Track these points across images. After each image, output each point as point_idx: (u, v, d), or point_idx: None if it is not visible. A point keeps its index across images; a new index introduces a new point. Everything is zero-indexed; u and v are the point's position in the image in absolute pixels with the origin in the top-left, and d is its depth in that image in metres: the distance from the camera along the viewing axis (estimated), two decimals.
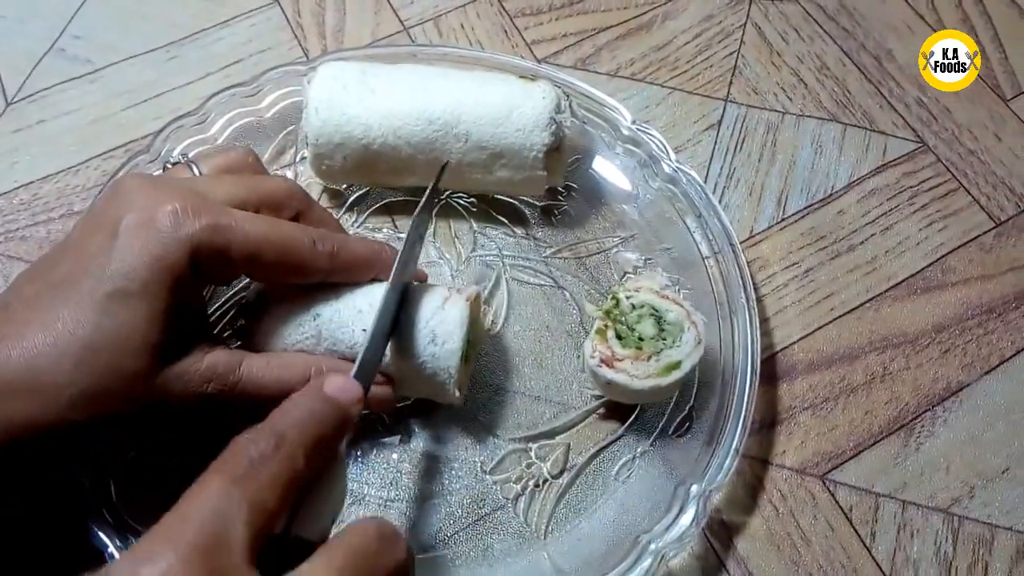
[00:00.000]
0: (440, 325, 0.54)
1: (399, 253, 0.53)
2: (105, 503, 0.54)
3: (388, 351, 0.54)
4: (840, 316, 0.66)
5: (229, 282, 0.62)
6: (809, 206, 0.71)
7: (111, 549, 0.52)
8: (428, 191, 0.57)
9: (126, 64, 0.76)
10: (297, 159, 0.70)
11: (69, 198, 0.69)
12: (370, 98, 0.62)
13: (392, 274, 0.52)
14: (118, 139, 0.72)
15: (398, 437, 0.60)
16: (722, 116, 0.75)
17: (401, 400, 0.59)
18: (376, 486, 0.58)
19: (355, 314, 0.54)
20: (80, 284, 0.46)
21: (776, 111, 0.76)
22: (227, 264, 0.49)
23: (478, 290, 0.58)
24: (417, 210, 0.55)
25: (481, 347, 0.62)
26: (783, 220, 0.71)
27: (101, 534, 0.53)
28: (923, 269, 0.69)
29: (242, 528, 0.36)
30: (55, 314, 0.45)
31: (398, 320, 0.54)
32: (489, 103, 0.62)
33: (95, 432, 0.49)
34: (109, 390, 0.46)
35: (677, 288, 0.65)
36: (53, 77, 0.75)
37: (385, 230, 0.67)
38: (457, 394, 0.55)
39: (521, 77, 0.65)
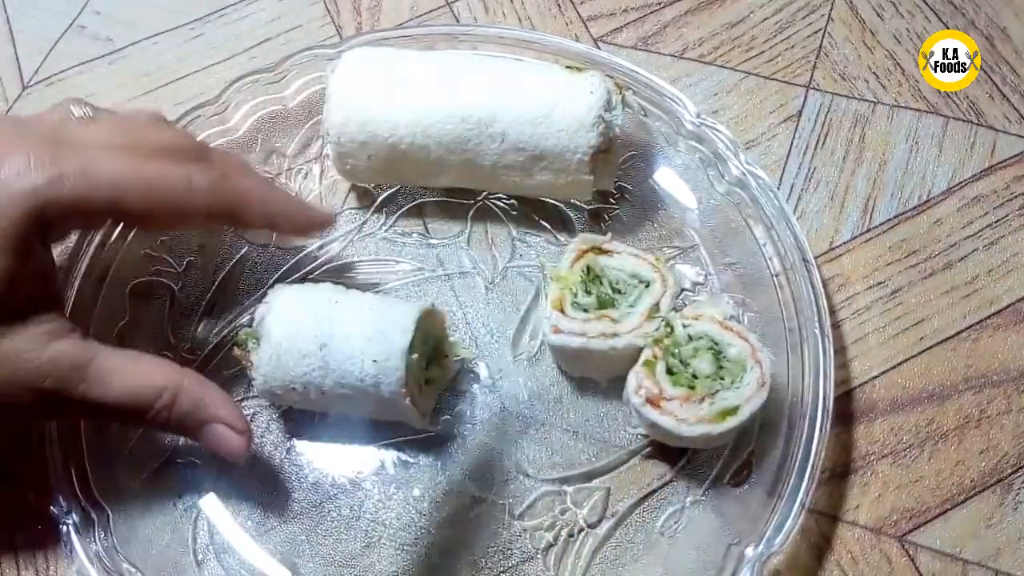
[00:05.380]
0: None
1: None
2: None
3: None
4: (931, 347, 0.59)
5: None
6: (900, 214, 0.63)
7: None
8: None
9: (148, 43, 0.70)
10: (324, 152, 0.64)
11: None
12: (396, 92, 0.56)
13: None
14: None
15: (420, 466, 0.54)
16: (803, 106, 0.67)
17: (421, 432, 0.54)
18: (392, 527, 0.53)
19: (364, 342, 0.49)
20: None
21: (867, 100, 0.67)
22: (87, 213, 0.46)
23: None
24: None
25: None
26: (869, 230, 0.62)
27: None
28: None
29: None
30: None
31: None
32: (528, 98, 0.55)
33: None
34: None
35: (743, 314, 0.57)
36: (71, 58, 0.70)
37: (415, 235, 0.61)
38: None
39: (567, 67, 0.57)
